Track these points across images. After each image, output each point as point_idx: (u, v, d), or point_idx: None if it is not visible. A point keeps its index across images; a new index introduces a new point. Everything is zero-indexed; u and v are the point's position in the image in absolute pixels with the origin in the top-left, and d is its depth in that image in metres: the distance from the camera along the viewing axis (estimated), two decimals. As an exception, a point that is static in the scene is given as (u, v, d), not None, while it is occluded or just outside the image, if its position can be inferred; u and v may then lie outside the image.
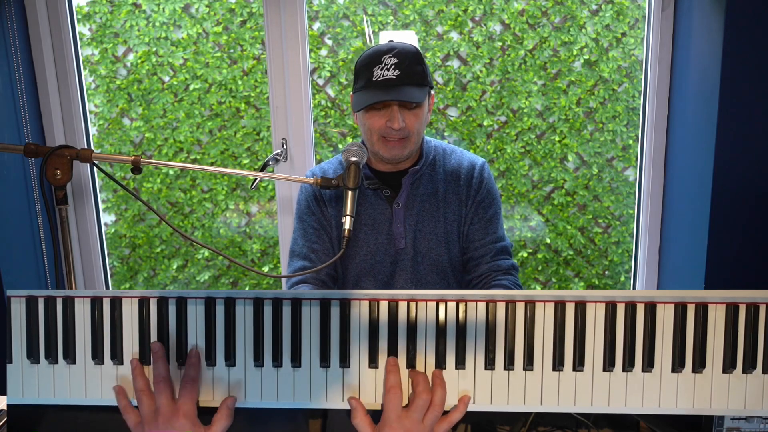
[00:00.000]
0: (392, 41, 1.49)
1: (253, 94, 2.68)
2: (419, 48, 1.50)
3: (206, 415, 0.89)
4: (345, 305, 0.91)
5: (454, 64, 2.63)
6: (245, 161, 2.75)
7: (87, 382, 0.93)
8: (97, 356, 0.92)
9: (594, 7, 2.56)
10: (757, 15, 1.69)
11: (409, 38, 2.38)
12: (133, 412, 0.88)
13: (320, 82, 2.66)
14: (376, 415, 0.88)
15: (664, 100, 2.10)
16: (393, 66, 1.40)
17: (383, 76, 1.40)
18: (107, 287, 2.44)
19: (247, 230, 2.86)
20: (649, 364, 0.90)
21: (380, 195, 1.53)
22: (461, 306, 0.91)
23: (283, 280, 1.70)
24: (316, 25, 2.62)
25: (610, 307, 0.90)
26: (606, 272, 2.83)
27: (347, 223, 1.21)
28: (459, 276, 1.58)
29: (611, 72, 2.59)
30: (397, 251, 1.53)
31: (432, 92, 1.52)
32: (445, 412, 0.88)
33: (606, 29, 2.56)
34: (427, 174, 1.54)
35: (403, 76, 1.39)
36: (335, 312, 0.92)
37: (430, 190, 1.53)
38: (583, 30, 2.56)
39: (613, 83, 2.60)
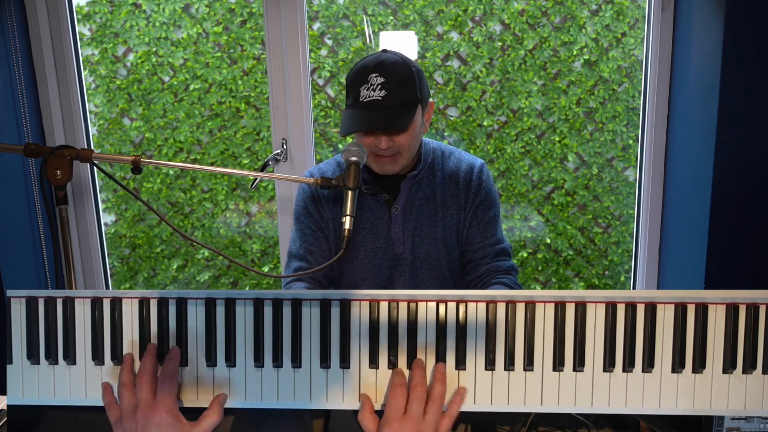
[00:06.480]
0: (385, 50, 1.45)
1: (253, 94, 2.68)
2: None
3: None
4: (345, 306, 0.91)
5: (454, 64, 2.63)
6: (245, 161, 2.75)
7: (87, 383, 0.93)
8: (98, 357, 0.92)
9: (594, 7, 2.56)
10: (757, 15, 1.69)
11: (409, 38, 2.38)
12: (116, 407, 0.87)
13: (320, 82, 2.66)
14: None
15: (664, 100, 2.10)
16: (379, 86, 1.36)
17: (369, 96, 1.36)
18: (107, 287, 2.44)
19: (247, 230, 2.86)
20: (649, 365, 0.90)
21: (379, 199, 1.52)
22: (461, 306, 0.91)
23: (282, 280, 1.70)
24: (316, 25, 2.62)
25: (610, 308, 0.90)
26: (606, 272, 2.83)
27: (347, 222, 1.20)
28: (458, 280, 1.58)
29: (611, 72, 2.59)
30: (395, 256, 1.52)
31: (430, 101, 1.50)
32: None
33: (606, 29, 2.56)
34: (425, 178, 1.53)
35: (389, 98, 1.35)
36: (335, 312, 0.91)
37: (429, 194, 1.52)
38: (583, 30, 2.56)
39: (613, 83, 2.61)
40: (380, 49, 1.50)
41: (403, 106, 1.38)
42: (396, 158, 1.44)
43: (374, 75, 1.37)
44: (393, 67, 1.38)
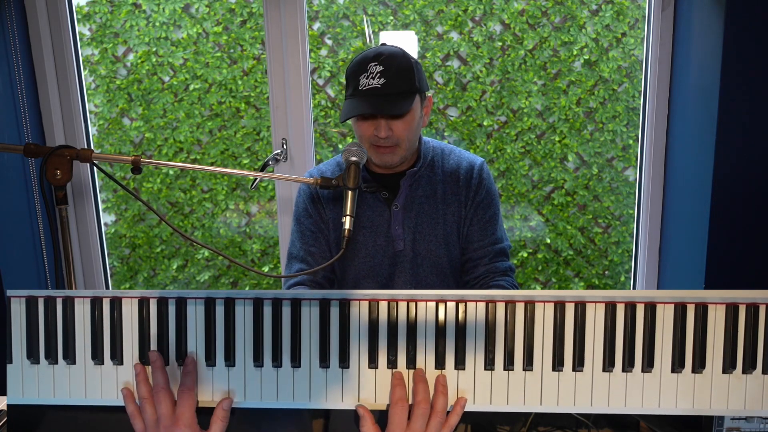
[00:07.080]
0: (384, 44, 1.47)
1: (253, 94, 2.68)
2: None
3: (206, 415, 0.89)
4: (344, 305, 0.91)
5: (454, 64, 2.63)
6: (245, 161, 2.75)
7: (87, 382, 0.93)
8: (97, 356, 0.92)
9: (594, 7, 2.56)
10: (757, 15, 1.68)
11: (409, 38, 2.38)
12: (140, 418, 0.89)
13: (320, 82, 2.66)
14: (374, 415, 0.88)
15: (664, 100, 2.09)
16: (378, 74, 1.38)
17: (368, 85, 1.38)
18: (107, 287, 2.44)
19: (247, 230, 2.86)
20: (648, 365, 0.90)
21: (378, 197, 1.52)
22: (461, 306, 0.91)
23: (282, 282, 1.71)
24: (316, 25, 2.62)
25: (610, 308, 0.90)
26: (606, 272, 2.83)
27: (347, 222, 1.21)
28: (459, 277, 1.58)
29: (611, 72, 2.59)
30: (395, 253, 1.52)
31: (428, 94, 1.51)
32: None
33: (606, 29, 2.56)
34: (425, 175, 1.54)
35: (388, 85, 1.37)
36: (335, 312, 0.91)
37: (429, 192, 1.53)
38: (583, 30, 2.56)
39: (613, 83, 2.60)
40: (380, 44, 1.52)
41: (402, 93, 1.40)
42: (395, 150, 1.44)
43: (373, 64, 1.39)
44: (392, 56, 1.40)
